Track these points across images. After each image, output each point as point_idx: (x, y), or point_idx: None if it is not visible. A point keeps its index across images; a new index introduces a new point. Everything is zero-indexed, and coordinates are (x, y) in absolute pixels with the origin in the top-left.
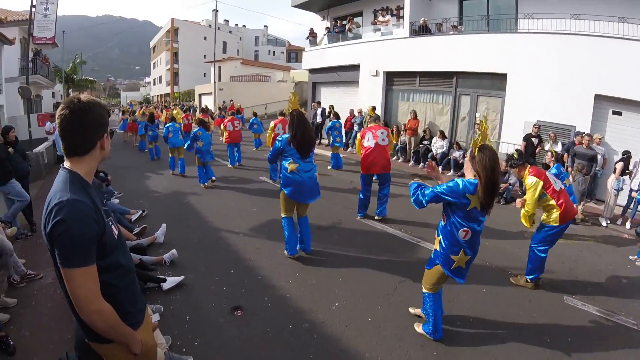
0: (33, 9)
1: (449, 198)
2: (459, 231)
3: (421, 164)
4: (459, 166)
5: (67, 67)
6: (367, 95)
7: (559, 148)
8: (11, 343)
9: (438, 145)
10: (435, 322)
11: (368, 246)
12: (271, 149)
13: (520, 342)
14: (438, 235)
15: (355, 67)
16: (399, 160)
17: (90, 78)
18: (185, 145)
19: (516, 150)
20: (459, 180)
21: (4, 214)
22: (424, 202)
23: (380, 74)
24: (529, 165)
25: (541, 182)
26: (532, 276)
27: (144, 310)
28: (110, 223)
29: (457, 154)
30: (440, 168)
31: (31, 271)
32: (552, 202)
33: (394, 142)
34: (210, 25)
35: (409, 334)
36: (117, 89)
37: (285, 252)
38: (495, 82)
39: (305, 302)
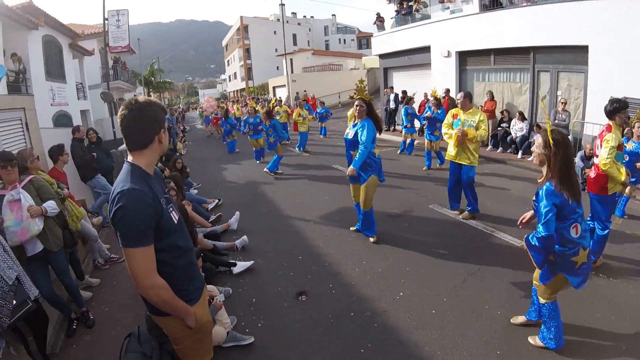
0: (106, 22)
1: (554, 210)
2: (570, 230)
3: (499, 148)
4: None
5: (146, 71)
6: (440, 77)
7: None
8: (91, 317)
9: (517, 128)
10: (558, 330)
11: (439, 235)
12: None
13: (593, 349)
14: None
15: (426, 49)
16: None
17: (168, 80)
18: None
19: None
20: (542, 189)
21: (91, 205)
22: (545, 236)
23: (452, 54)
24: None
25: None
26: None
27: (202, 288)
28: (170, 210)
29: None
30: (520, 152)
31: (114, 255)
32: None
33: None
34: (278, 20)
35: (474, 330)
36: (195, 88)
37: (371, 237)
38: (576, 56)
39: (370, 290)
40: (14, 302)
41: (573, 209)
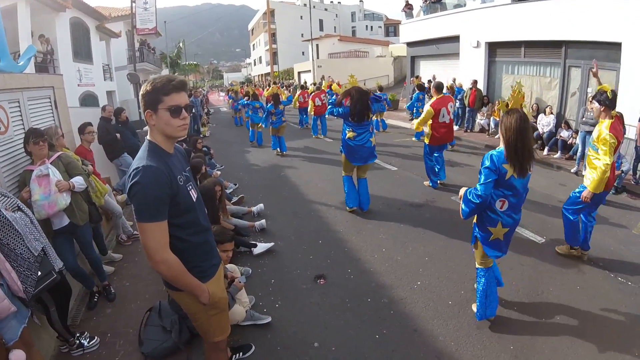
0: (133, 4)
1: (494, 176)
2: (496, 202)
3: None
4: (567, 147)
5: (172, 53)
6: (469, 68)
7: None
8: (112, 291)
9: (544, 123)
10: (486, 300)
11: (460, 228)
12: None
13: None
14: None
15: (455, 39)
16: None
17: (194, 62)
18: (263, 124)
19: (613, 90)
20: (489, 155)
21: (116, 182)
22: (478, 200)
23: (482, 44)
24: (615, 115)
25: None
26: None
27: (217, 265)
28: (188, 188)
29: (565, 133)
30: (546, 149)
31: (137, 232)
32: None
33: (496, 117)
34: (305, 5)
35: (489, 324)
36: (220, 71)
37: (346, 206)
38: (609, 52)
39: (388, 277)
40: (39, 273)
41: (507, 184)
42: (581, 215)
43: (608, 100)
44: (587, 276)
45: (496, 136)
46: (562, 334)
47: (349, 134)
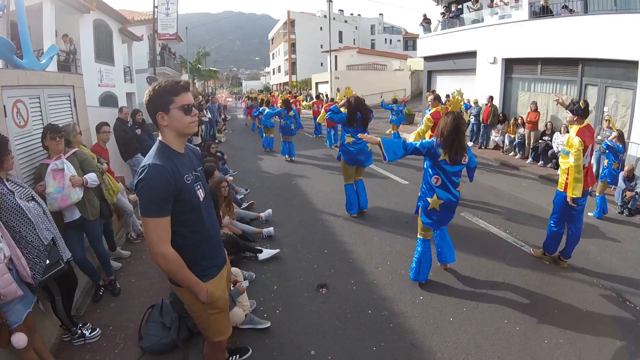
0: (156, 9)
1: (423, 150)
2: (432, 178)
3: (540, 162)
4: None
5: (193, 59)
6: (485, 84)
7: None
8: (118, 286)
9: (559, 141)
10: (419, 265)
11: (467, 244)
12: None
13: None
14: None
15: (472, 54)
16: (517, 157)
17: (213, 68)
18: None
19: (585, 100)
20: (433, 139)
21: (129, 182)
22: (409, 151)
23: (499, 61)
24: (585, 123)
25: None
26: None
27: (220, 267)
28: (196, 187)
29: None
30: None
31: None
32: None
33: (511, 134)
34: (325, 16)
35: (489, 342)
36: (239, 79)
37: (347, 212)
38: (626, 71)
39: (390, 290)
40: (47, 261)
41: (440, 165)
42: (567, 225)
43: (580, 110)
44: (594, 299)
45: (510, 153)
46: (566, 358)
47: (348, 139)
